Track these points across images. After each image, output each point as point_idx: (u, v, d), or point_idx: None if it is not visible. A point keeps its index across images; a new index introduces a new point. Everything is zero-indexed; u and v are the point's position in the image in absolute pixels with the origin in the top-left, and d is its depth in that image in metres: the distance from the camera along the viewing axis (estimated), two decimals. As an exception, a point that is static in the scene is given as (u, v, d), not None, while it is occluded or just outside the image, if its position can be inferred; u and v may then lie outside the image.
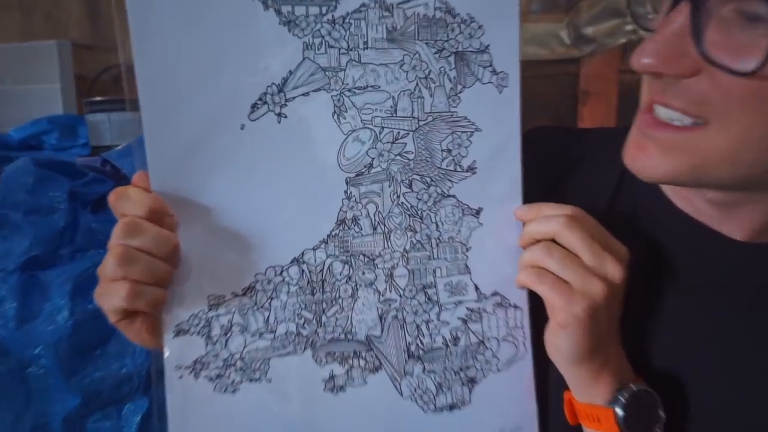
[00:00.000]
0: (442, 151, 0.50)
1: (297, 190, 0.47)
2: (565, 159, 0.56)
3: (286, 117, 0.46)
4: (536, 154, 0.51)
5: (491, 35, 0.49)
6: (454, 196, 0.50)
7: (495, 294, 0.51)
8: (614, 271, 0.43)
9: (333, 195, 0.48)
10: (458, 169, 0.50)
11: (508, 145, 0.50)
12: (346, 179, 0.48)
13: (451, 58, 0.49)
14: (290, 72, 0.46)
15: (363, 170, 0.48)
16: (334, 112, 0.47)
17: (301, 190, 0.47)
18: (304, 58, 0.46)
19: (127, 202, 0.43)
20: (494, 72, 0.50)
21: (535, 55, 1.38)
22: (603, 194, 0.52)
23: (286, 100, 0.46)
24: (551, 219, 0.45)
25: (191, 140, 0.45)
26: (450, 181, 0.50)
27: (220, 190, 0.46)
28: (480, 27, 0.49)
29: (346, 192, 0.48)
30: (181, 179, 0.45)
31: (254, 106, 0.46)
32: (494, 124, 0.50)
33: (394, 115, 0.48)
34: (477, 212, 0.51)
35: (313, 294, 0.48)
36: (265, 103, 0.46)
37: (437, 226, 0.50)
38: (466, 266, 0.51)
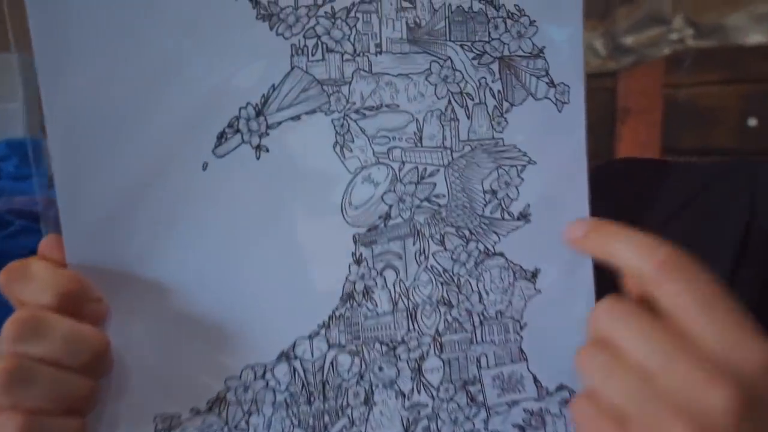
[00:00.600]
0: (485, 192, 0.36)
1: (285, 255, 0.33)
2: (663, 200, 0.43)
3: (267, 150, 0.32)
4: (619, 194, 0.38)
5: (547, 34, 0.36)
6: (502, 255, 0.36)
7: (561, 388, 0.37)
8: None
9: (336, 260, 0.34)
10: (507, 216, 0.37)
11: (573, 182, 0.37)
12: (354, 236, 0.34)
13: (495, 66, 0.36)
14: (273, 87, 0.32)
15: (377, 223, 0.34)
16: (336, 142, 0.33)
17: (290, 254, 0.33)
18: (292, 68, 0.32)
19: (28, 285, 0.28)
20: (551, 84, 0.37)
21: None
22: (727, 247, 0.39)
23: (268, 127, 0.32)
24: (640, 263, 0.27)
25: (127, 188, 0.30)
26: (496, 233, 0.37)
27: (173, 259, 0.31)
28: (532, 23, 0.36)
29: (354, 255, 0.34)
30: (111, 245, 0.30)
31: (222, 137, 0.32)
32: (553, 155, 0.37)
33: (419, 144, 0.35)
34: (533, 275, 0.37)
35: (310, 403, 0.34)
36: (238, 131, 0.32)
37: (480, 296, 0.36)
38: (521, 351, 0.37)
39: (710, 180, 0.43)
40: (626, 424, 0.24)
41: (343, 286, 0.34)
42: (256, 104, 0.32)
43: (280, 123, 0.33)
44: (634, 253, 0.27)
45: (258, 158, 0.33)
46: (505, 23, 0.36)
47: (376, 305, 0.35)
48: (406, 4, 0.34)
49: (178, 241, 0.31)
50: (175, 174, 0.31)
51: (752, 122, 1.07)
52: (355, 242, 0.35)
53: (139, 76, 0.30)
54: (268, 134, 0.33)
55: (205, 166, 0.32)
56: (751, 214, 0.39)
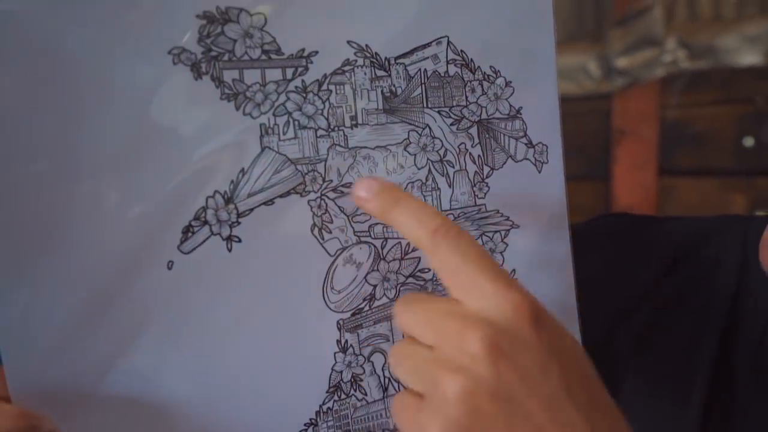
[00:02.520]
0: (470, 262, 0.35)
1: (265, 354, 0.31)
2: (655, 258, 0.44)
3: (239, 241, 0.30)
4: (611, 251, 0.38)
5: (523, 94, 0.36)
6: (490, 326, 0.36)
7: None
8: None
9: (320, 350, 0.32)
10: (494, 285, 0.36)
11: (557, 241, 0.37)
12: (338, 323, 0.33)
13: (474, 130, 0.35)
14: (243, 171, 0.30)
15: (362, 305, 0.33)
16: (314, 224, 0.32)
17: (270, 351, 0.31)
18: (263, 149, 0.31)
19: None
20: (530, 144, 0.37)
21: (562, 91, 1.20)
22: (718, 307, 0.40)
23: (239, 216, 0.30)
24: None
25: (82, 303, 0.28)
26: (484, 304, 0.36)
27: (140, 374, 0.29)
28: (508, 84, 0.36)
29: (339, 342, 0.33)
30: (67, 369, 0.28)
31: (188, 231, 0.29)
32: (536, 216, 0.37)
33: (401, 218, 0.34)
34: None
35: None
36: (205, 223, 0.30)
37: (472, 371, 0.35)
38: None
39: (702, 237, 0.44)
40: (421, 404, 0.26)
41: (330, 378, 0.33)
42: (225, 192, 0.30)
43: (252, 210, 0.31)
44: (412, 221, 0.28)
45: (230, 250, 0.31)
46: (482, 86, 0.36)
47: (366, 394, 0.34)
48: (380, 73, 0.33)
49: (145, 354, 0.29)
50: (137, 279, 0.29)
51: (748, 142, 1.11)
52: (339, 329, 0.33)
53: (88, 173, 0.28)
54: (239, 223, 0.31)
55: (170, 265, 0.29)
56: (741, 271, 0.41)
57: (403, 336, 0.33)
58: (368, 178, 0.29)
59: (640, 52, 1.19)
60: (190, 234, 0.30)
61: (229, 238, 0.31)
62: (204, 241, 0.30)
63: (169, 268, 0.30)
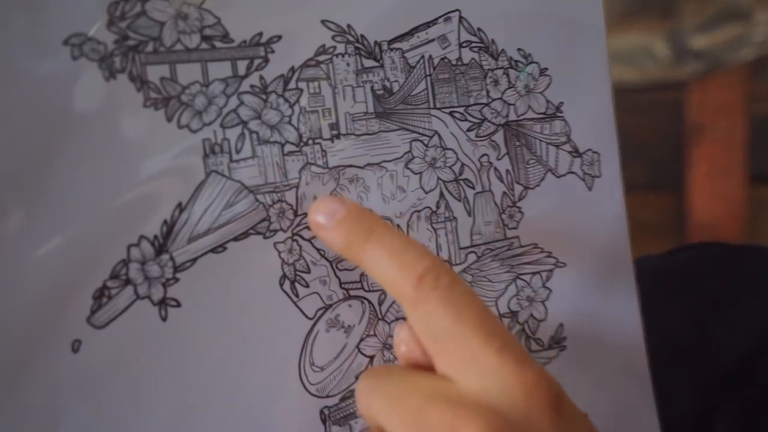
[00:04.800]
0: (502, 316, 0.28)
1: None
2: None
3: (177, 305, 0.23)
4: (710, 285, 0.31)
5: (564, 85, 0.29)
6: (533, 401, 0.28)
7: None
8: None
9: (299, 451, 0.25)
10: (535, 346, 0.28)
11: (617, 283, 0.29)
12: (322, 413, 0.25)
13: (499, 137, 0.28)
14: (180, 207, 0.23)
15: (355, 387, 0.25)
16: (285, 276, 0.24)
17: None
18: (208, 173, 0.23)
19: None
20: (576, 153, 0.29)
21: (621, 79, 1.02)
22: None
23: (176, 270, 0.23)
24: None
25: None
26: (522, 372, 0.28)
27: None
28: (543, 72, 0.28)
29: (325, 438, 0.25)
30: None
31: (102, 295, 0.22)
32: (588, 250, 0.29)
33: (405, 261, 0.26)
34: (578, 424, 0.28)
35: None
36: (128, 282, 0.22)
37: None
38: None
39: None
40: None
41: (314, 488, 0.25)
42: (155, 237, 0.23)
43: (195, 260, 0.23)
44: (389, 261, 0.22)
45: (164, 320, 0.23)
46: (508, 76, 0.28)
47: (365, 507, 0.26)
48: (369, 64, 0.26)
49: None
50: (37, 363, 0.21)
51: None
52: (324, 421, 0.25)
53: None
54: (176, 280, 0.23)
55: (76, 347, 0.22)
56: None
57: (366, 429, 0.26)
58: (329, 198, 0.23)
59: (723, 29, 0.98)
60: (104, 300, 0.22)
61: (162, 303, 0.23)
62: (126, 308, 0.22)
63: (75, 351, 0.22)
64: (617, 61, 1.01)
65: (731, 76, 1.00)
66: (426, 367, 0.22)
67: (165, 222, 0.23)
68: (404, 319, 0.27)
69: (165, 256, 0.23)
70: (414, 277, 0.21)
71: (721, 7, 0.98)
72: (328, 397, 0.25)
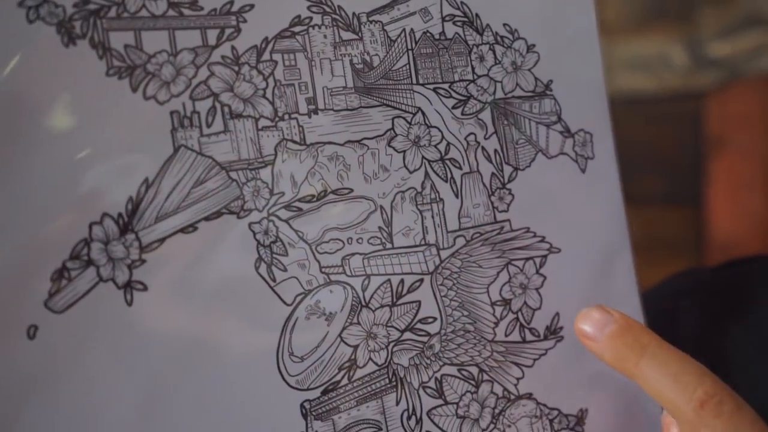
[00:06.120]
0: (494, 304, 0.27)
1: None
2: None
3: (144, 289, 0.22)
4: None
5: (553, 62, 0.28)
6: (529, 396, 0.27)
7: None
8: None
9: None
10: (530, 336, 0.27)
11: (615, 270, 0.28)
12: (303, 407, 0.24)
13: (486, 115, 0.27)
14: (146, 184, 0.22)
15: (337, 378, 0.24)
16: (261, 259, 0.23)
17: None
18: (177, 148, 0.22)
19: None
20: (566, 132, 0.28)
21: (636, 89, 1.00)
22: None
23: (143, 250, 0.22)
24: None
25: None
26: (517, 365, 0.27)
27: None
28: (531, 48, 0.28)
29: (306, 435, 0.24)
30: None
31: (61, 277, 0.21)
32: (583, 235, 0.28)
33: (389, 245, 0.25)
34: (578, 421, 0.28)
35: None
36: (89, 263, 0.21)
37: (506, 465, 0.26)
38: None
39: None
40: None
41: (294, 491, 0.24)
42: (120, 215, 0.22)
43: (163, 241, 0.22)
44: (666, 380, 0.22)
45: (129, 304, 0.22)
46: (494, 52, 0.27)
47: None
48: (347, 36, 0.25)
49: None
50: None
51: None
52: (305, 415, 0.24)
53: None
54: (143, 262, 0.22)
55: (32, 332, 0.20)
56: None
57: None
58: (597, 310, 0.24)
59: (744, 36, 0.94)
60: (63, 282, 0.21)
61: (127, 286, 0.22)
62: (87, 291, 0.21)
63: (31, 337, 0.21)
64: (632, 69, 0.99)
65: (752, 86, 0.96)
66: None
67: (130, 199, 0.22)
68: (390, 307, 0.26)
69: (130, 236, 0.22)
70: (696, 401, 0.21)
71: (742, 13, 0.95)
72: (308, 389, 0.24)
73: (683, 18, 0.99)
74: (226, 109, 0.23)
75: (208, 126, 0.23)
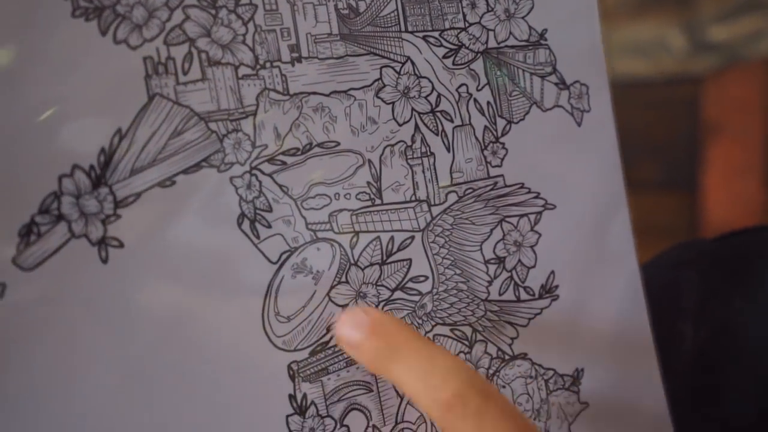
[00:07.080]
0: (487, 262, 0.26)
1: (168, 429, 0.21)
2: None
3: (120, 245, 0.21)
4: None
5: (547, 9, 0.27)
6: (524, 356, 0.26)
7: None
8: None
9: (263, 414, 0.23)
10: (524, 295, 0.27)
11: (612, 226, 0.28)
12: (290, 368, 0.23)
13: (478, 65, 0.26)
14: (120, 134, 0.21)
15: (326, 339, 0.23)
16: (243, 214, 0.22)
17: (177, 425, 0.21)
18: (151, 97, 0.21)
19: None
20: (562, 84, 0.27)
21: (634, 73, 1.00)
22: None
23: (117, 206, 0.21)
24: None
25: None
26: (511, 324, 0.26)
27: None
28: (524, -5, 0.27)
29: (293, 399, 0.23)
30: None
31: (29, 232, 0.20)
32: (579, 191, 0.28)
33: (378, 201, 0.24)
34: (574, 380, 0.27)
35: None
36: (60, 218, 0.20)
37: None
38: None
39: None
40: None
41: (282, 455, 0.23)
42: (92, 167, 0.21)
43: (139, 195, 0.21)
44: (417, 383, 0.21)
45: (105, 262, 0.21)
46: (486, -2, 0.26)
47: (340, 477, 0.24)
48: (332, -22, 0.24)
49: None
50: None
51: None
52: (292, 377, 0.23)
53: None
54: (118, 217, 0.21)
55: (0, 291, 0.19)
56: None
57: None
58: (355, 309, 0.23)
59: (742, 20, 0.93)
60: (32, 237, 0.20)
61: (102, 242, 0.21)
62: (59, 248, 0.20)
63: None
64: (630, 53, 0.98)
65: (750, 71, 0.96)
66: None
67: (103, 150, 0.21)
68: (380, 265, 0.25)
69: (104, 189, 0.21)
70: (442, 405, 0.20)
71: (742, -4, 0.94)
72: (296, 350, 0.23)
73: (681, 2, 0.98)
74: (204, 56, 0.22)
75: (185, 73, 0.22)
